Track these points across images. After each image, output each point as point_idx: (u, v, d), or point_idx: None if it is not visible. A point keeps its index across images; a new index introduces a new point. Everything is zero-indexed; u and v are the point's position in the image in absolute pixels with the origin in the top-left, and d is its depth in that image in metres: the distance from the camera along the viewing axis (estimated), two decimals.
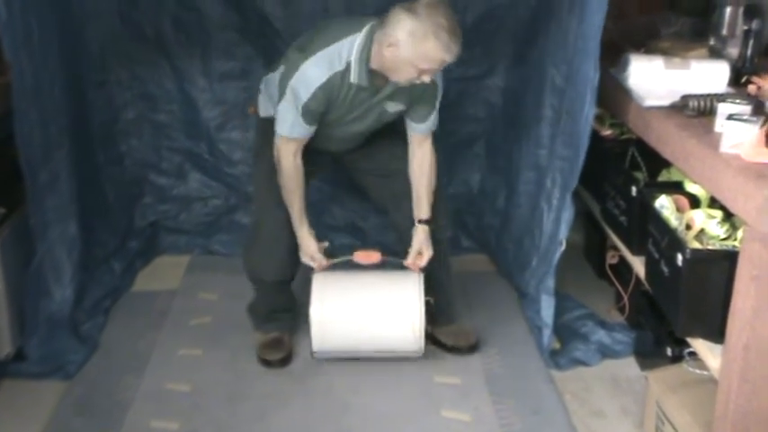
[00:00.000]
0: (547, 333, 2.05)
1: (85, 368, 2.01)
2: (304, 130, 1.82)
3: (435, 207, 1.99)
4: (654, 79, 1.95)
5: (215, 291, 2.40)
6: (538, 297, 2.10)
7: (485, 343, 2.13)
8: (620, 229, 2.04)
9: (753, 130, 1.50)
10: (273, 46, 2.38)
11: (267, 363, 2.04)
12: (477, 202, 2.62)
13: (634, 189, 1.91)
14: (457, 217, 2.61)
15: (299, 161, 1.86)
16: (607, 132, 2.22)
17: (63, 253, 2.07)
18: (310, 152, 1.90)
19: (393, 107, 1.86)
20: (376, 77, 1.78)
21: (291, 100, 1.77)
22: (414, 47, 1.66)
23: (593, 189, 2.28)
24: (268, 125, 1.90)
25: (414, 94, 1.84)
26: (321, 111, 1.80)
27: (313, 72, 1.74)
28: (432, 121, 1.92)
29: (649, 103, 1.83)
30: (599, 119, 2.21)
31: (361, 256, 1.99)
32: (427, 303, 1.92)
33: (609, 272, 2.26)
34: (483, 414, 1.87)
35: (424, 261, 1.97)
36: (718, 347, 1.54)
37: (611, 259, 2.24)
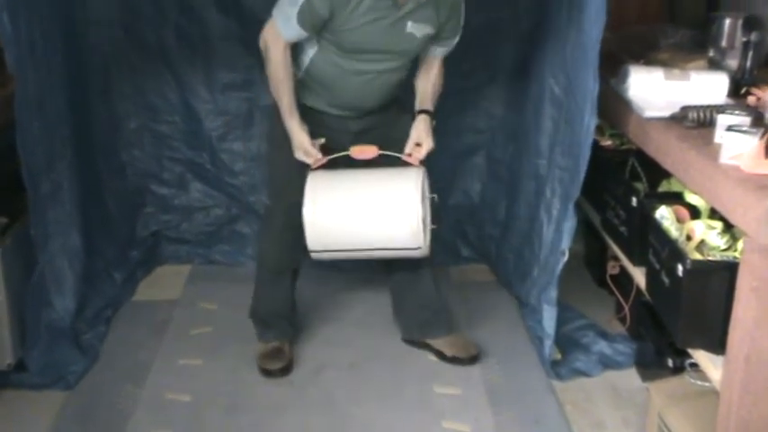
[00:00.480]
0: (548, 343, 2.04)
1: (86, 378, 2.01)
2: (291, 32, 1.72)
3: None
4: (653, 90, 1.96)
5: (216, 301, 2.40)
6: (539, 307, 2.10)
7: (485, 353, 2.13)
8: (620, 239, 2.04)
9: (752, 142, 1.50)
10: None
11: (267, 372, 2.04)
12: (478, 212, 2.63)
13: (634, 199, 1.91)
14: (457, 227, 2.62)
15: (287, 55, 1.76)
16: (607, 143, 2.23)
17: (64, 263, 2.08)
18: (328, 129, 1.84)
19: (419, 30, 1.76)
20: None
21: None
22: None
23: (593, 199, 2.29)
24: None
25: (440, 15, 1.76)
26: (324, 16, 1.67)
27: None
28: (455, 42, 1.88)
29: (649, 114, 1.84)
30: (599, 129, 2.20)
31: (357, 151, 1.85)
32: (431, 200, 1.81)
33: (609, 282, 2.26)
34: (483, 425, 1.86)
35: (423, 153, 1.85)
36: (719, 358, 1.54)
37: (611, 269, 2.23)
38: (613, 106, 2.01)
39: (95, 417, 1.87)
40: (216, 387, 1.99)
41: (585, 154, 1.85)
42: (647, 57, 2.25)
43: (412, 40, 1.79)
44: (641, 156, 1.95)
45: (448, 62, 2.40)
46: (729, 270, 1.49)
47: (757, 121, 1.64)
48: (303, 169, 1.85)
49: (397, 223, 1.77)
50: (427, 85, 1.93)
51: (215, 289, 2.47)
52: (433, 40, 1.85)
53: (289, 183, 1.89)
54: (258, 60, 2.46)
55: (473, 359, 2.09)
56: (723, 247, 1.60)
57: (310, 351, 2.15)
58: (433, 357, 2.11)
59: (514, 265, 2.38)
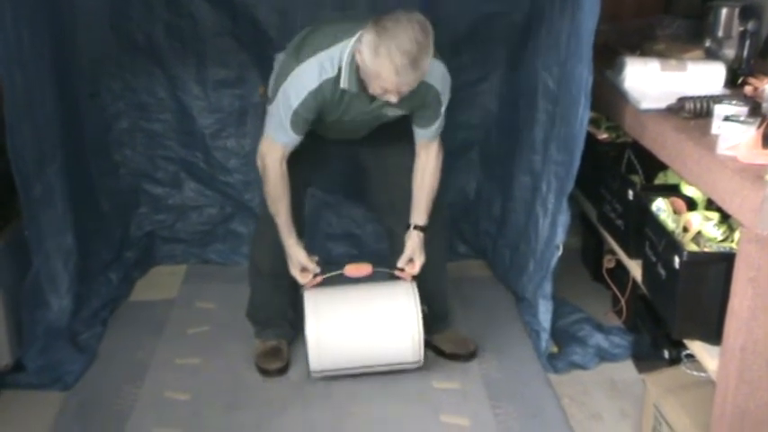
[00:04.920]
0: (544, 337, 2.05)
1: (84, 378, 2.01)
2: (288, 139, 1.78)
3: (432, 211, 1.96)
4: (650, 82, 1.95)
5: (212, 300, 2.40)
6: (535, 302, 2.10)
7: (483, 348, 2.13)
8: (616, 232, 2.03)
9: (749, 132, 1.50)
10: (267, 54, 2.37)
11: (265, 372, 2.03)
12: (474, 209, 2.62)
13: (631, 192, 1.90)
14: (453, 224, 2.60)
15: (284, 168, 1.82)
16: (603, 136, 2.22)
17: (59, 264, 2.06)
18: (314, 139, 1.86)
19: (392, 112, 1.82)
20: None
21: (282, 104, 1.74)
22: (371, 61, 1.60)
23: (589, 193, 2.28)
24: None
25: (414, 102, 1.78)
26: (311, 118, 1.77)
27: (305, 78, 1.71)
28: (436, 128, 1.88)
29: (645, 105, 1.83)
30: (595, 122, 2.21)
31: (351, 270, 1.95)
32: (422, 312, 1.89)
33: (606, 276, 2.26)
34: (482, 419, 1.86)
35: (416, 269, 1.94)
36: (715, 349, 1.54)
37: (607, 263, 2.23)
38: (609, 98, 2.00)
39: (94, 416, 1.87)
40: (214, 385, 1.99)
41: (579, 147, 1.85)
42: (643, 48, 2.24)
43: (383, 116, 1.83)
44: (637, 148, 1.94)
45: (441, 57, 2.38)
46: (726, 261, 1.49)
47: (754, 111, 1.64)
48: (297, 180, 1.87)
49: (401, 343, 1.88)
50: (422, 192, 1.92)
51: (211, 288, 2.46)
52: (413, 123, 1.87)
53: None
54: (250, 57, 2.48)
55: (471, 355, 2.09)
56: (720, 238, 1.60)
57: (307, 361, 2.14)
58: (431, 353, 2.11)
59: (511, 261, 2.38)
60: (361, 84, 1.70)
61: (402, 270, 1.95)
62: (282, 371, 2.03)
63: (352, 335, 1.88)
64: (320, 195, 2.56)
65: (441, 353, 2.10)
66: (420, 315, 1.88)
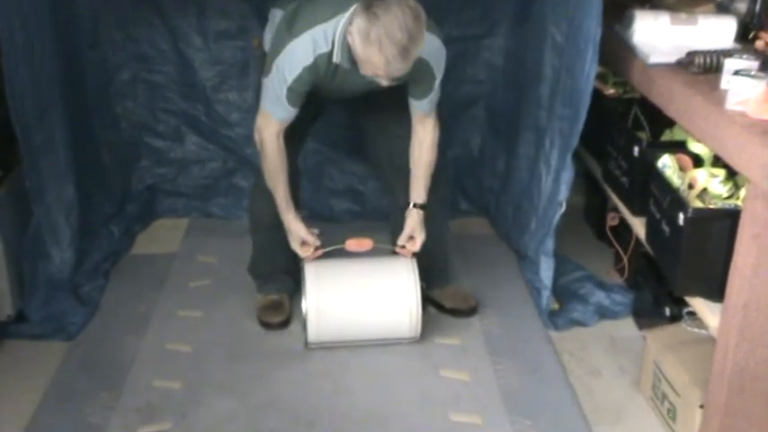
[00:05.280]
0: (545, 294, 2.05)
1: (87, 329, 2.02)
2: (285, 113, 1.77)
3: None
4: (659, 36, 1.91)
5: (214, 254, 2.40)
6: (537, 259, 2.10)
7: (484, 304, 2.14)
8: (621, 189, 2.02)
9: (759, 87, 1.47)
10: (268, 4, 2.32)
11: (267, 325, 2.05)
12: (477, 165, 2.60)
13: (636, 149, 1.88)
14: (456, 180, 2.60)
15: (281, 143, 1.81)
16: (610, 91, 2.18)
17: (60, 215, 2.06)
18: (310, 99, 1.83)
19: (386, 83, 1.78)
20: None
21: (277, 79, 1.72)
22: (361, 48, 1.57)
23: (595, 150, 2.26)
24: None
25: (407, 75, 1.71)
26: (306, 90, 1.75)
27: (299, 53, 1.68)
28: (429, 100, 1.84)
29: (654, 60, 1.80)
30: (602, 77, 2.17)
31: (352, 245, 1.94)
32: (421, 288, 1.90)
33: (609, 234, 2.25)
34: (481, 373, 1.88)
35: (416, 246, 1.93)
36: (717, 306, 1.54)
37: (611, 221, 2.22)
38: (617, 53, 1.96)
39: (98, 367, 1.89)
40: (216, 337, 2.01)
41: (585, 102, 1.82)
42: (652, 1, 2.19)
43: (378, 86, 1.76)
44: (644, 104, 1.91)
45: (447, 11, 2.33)
46: (731, 218, 1.48)
47: (765, 66, 1.60)
48: (295, 130, 1.84)
49: (399, 319, 1.89)
50: (420, 167, 1.90)
51: (213, 242, 2.46)
52: (408, 93, 1.83)
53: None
54: (251, 8, 2.42)
55: (472, 311, 2.10)
56: (725, 195, 1.58)
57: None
58: (432, 309, 2.12)
59: (513, 218, 2.37)
60: (354, 60, 1.67)
61: (403, 247, 1.94)
62: (284, 324, 2.05)
63: (352, 309, 1.89)
64: (322, 150, 2.54)
65: (441, 308, 2.11)
66: (419, 292, 1.89)
